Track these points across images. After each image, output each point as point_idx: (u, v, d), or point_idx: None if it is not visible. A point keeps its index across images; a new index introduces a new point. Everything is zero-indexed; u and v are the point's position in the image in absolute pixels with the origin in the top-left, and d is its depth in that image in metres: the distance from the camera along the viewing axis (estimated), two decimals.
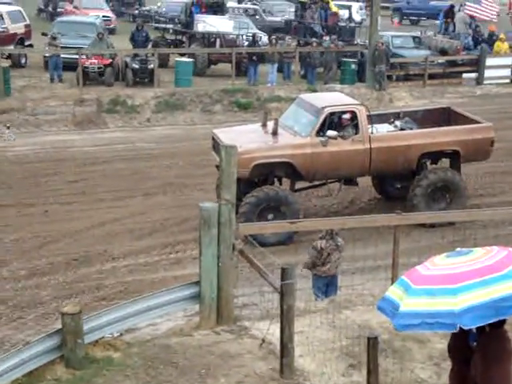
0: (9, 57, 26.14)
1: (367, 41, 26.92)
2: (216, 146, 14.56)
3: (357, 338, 8.29)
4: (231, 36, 29.28)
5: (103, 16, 34.14)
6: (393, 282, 8.81)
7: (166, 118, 23.69)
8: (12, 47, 27.29)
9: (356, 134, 14.87)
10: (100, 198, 16.65)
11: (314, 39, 29.57)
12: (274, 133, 14.94)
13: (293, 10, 36.60)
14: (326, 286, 11.04)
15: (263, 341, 8.70)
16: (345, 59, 27.82)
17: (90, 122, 22.75)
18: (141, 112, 23.60)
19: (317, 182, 15.61)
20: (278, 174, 15.04)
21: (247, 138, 14.76)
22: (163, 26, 33.27)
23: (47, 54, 25.85)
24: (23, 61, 27.22)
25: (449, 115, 16.71)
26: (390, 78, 27.04)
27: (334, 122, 14.91)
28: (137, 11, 40.29)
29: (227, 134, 15.04)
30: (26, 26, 29.24)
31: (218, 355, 8.43)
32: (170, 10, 34.76)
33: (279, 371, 8.09)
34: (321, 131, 14.72)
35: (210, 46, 29.06)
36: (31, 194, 16.69)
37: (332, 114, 14.84)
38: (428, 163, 15.66)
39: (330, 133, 14.61)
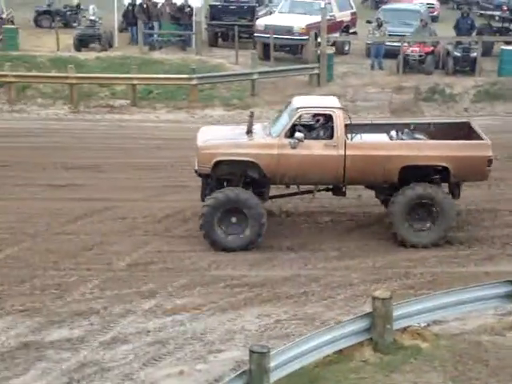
0: (333, 44, 27.02)
1: None
2: None
3: None
4: None
5: (427, 3, 33.93)
6: None
7: (485, 108, 22.95)
8: (337, 35, 28.13)
9: (330, 138, 13.43)
10: None
11: None
12: (249, 131, 13.93)
13: None
14: None
15: None
16: None
17: (405, 110, 22.74)
18: (459, 101, 23.12)
19: (291, 191, 14.37)
20: (244, 175, 13.79)
21: (218, 135, 14.05)
22: (489, 13, 32.18)
23: (369, 42, 26.36)
24: (346, 48, 27.99)
25: (469, 131, 14.35)
26: None
27: (307, 124, 13.75)
28: None
29: (209, 132, 14.40)
30: (352, 14, 29.95)
31: None
32: None
33: None
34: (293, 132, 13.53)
35: None
36: None
37: (306, 115, 13.73)
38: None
39: (298, 135, 13.33)
